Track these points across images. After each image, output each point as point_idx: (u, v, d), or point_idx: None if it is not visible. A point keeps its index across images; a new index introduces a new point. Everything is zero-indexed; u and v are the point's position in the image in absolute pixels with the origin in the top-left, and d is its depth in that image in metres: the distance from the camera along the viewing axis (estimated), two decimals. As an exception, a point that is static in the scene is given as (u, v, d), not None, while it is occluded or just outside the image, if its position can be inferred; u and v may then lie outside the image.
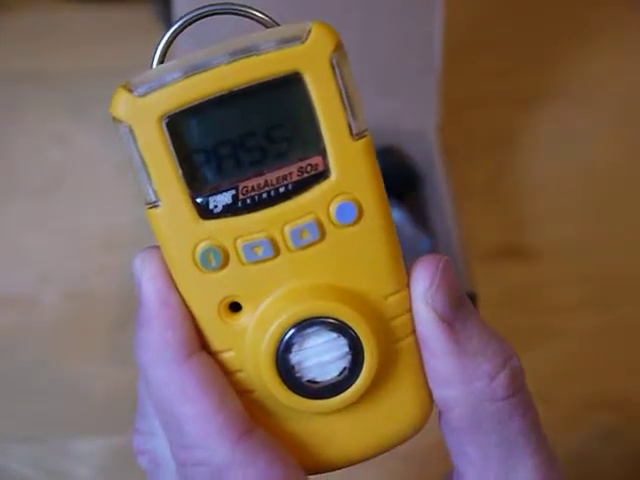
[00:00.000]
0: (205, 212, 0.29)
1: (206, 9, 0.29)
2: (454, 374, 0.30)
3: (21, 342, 0.63)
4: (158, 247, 0.30)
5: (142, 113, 0.28)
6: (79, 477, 0.56)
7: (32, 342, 0.63)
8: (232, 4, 0.30)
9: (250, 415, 0.30)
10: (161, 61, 0.29)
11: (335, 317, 0.29)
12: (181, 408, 0.29)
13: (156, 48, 0.29)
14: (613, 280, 0.68)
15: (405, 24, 0.72)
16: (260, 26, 0.30)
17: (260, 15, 0.30)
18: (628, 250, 0.71)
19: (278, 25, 0.29)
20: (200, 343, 0.30)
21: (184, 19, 0.29)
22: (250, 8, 0.30)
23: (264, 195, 0.29)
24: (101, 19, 0.90)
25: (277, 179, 0.29)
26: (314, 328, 0.29)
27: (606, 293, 0.68)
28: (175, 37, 0.29)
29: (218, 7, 0.30)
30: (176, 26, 0.29)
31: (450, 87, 0.74)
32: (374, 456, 0.32)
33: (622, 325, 0.65)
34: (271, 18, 0.29)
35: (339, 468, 0.32)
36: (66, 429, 0.58)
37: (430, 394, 0.31)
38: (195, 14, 0.29)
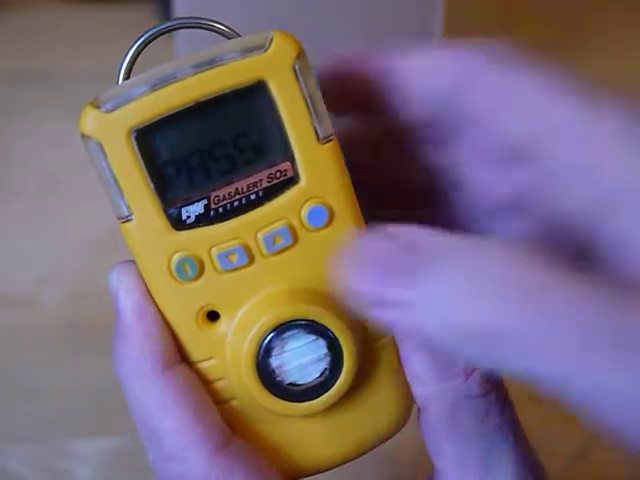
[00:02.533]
0: (178, 223, 0.29)
1: (169, 24, 0.30)
2: (429, 371, 0.30)
3: (21, 342, 0.63)
4: (134, 261, 0.30)
5: (110, 129, 0.28)
6: (79, 477, 0.56)
7: (32, 342, 0.63)
8: (195, 18, 0.30)
9: (231, 423, 0.30)
10: (127, 76, 0.29)
11: (312, 319, 0.29)
12: (160, 421, 0.29)
13: (121, 64, 0.30)
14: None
15: (405, 24, 0.72)
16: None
17: (223, 28, 0.30)
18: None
19: (240, 36, 0.30)
20: (179, 355, 0.30)
21: (147, 34, 0.30)
22: (213, 21, 0.30)
23: (235, 203, 0.29)
24: (101, 19, 0.90)
25: (247, 187, 0.29)
26: (293, 331, 0.29)
27: None
28: (140, 52, 0.30)
29: (181, 21, 0.30)
30: (140, 42, 0.30)
31: (450, 87, 0.74)
32: (356, 457, 0.32)
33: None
34: (234, 30, 0.30)
35: (322, 471, 0.32)
36: (66, 429, 0.58)
37: (410, 392, 0.31)
38: (158, 29, 0.30)
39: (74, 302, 0.65)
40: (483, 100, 0.30)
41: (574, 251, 0.26)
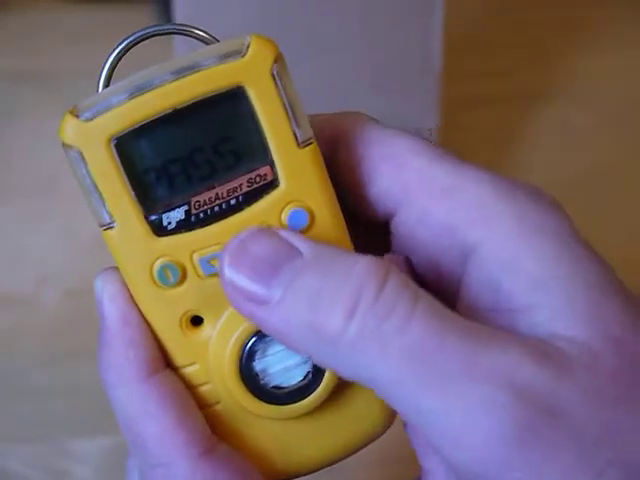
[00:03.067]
0: (159, 229, 0.29)
1: (148, 30, 0.30)
2: None
3: (21, 342, 0.63)
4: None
5: (90, 137, 0.28)
6: (79, 477, 0.56)
7: (32, 342, 0.63)
8: (174, 24, 0.31)
9: (216, 427, 0.30)
10: (106, 84, 0.30)
11: None
12: (144, 427, 0.29)
13: (101, 71, 0.30)
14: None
15: (405, 24, 0.72)
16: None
17: (201, 34, 0.30)
18: (628, 250, 0.71)
19: (218, 42, 0.30)
20: (163, 361, 0.30)
21: (126, 42, 0.30)
22: (191, 27, 0.30)
23: (216, 208, 0.29)
24: (101, 19, 0.90)
25: (228, 192, 0.29)
26: None
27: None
28: (119, 60, 0.30)
29: (160, 28, 0.30)
30: (118, 49, 0.30)
31: (450, 87, 0.74)
32: (342, 459, 0.32)
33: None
34: (212, 36, 0.30)
35: (307, 473, 0.32)
36: (66, 429, 0.58)
37: None
38: (137, 36, 0.30)
39: (74, 302, 0.65)
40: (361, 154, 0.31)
41: (439, 293, 0.28)
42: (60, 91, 0.81)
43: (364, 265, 0.26)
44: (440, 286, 0.30)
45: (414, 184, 0.30)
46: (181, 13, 0.71)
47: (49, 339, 0.63)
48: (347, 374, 0.27)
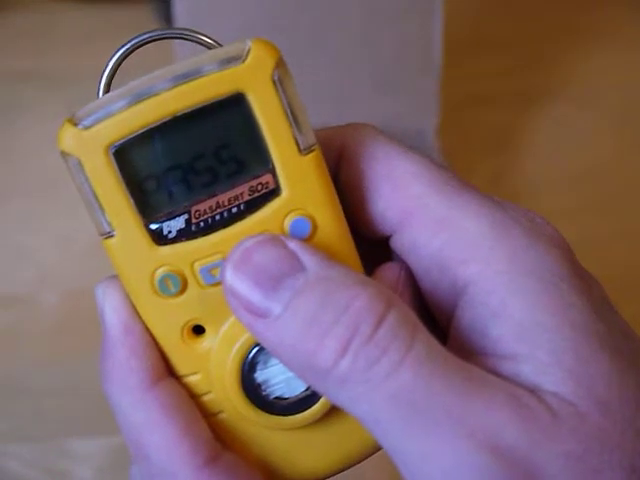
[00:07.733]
0: (160, 238, 0.28)
1: (148, 35, 0.30)
2: None
3: (21, 342, 0.63)
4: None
5: (89, 145, 0.28)
6: (79, 477, 0.56)
7: (32, 342, 0.63)
8: (175, 29, 0.30)
9: (220, 436, 0.30)
10: (107, 90, 0.29)
11: None
12: (147, 437, 0.29)
13: (100, 77, 0.29)
14: (613, 280, 0.68)
15: (405, 24, 0.72)
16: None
17: (203, 38, 0.30)
18: (628, 250, 0.71)
19: (220, 46, 0.29)
20: (166, 369, 0.30)
21: (125, 47, 0.29)
22: (193, 32, 0.30)
23: (217, 217, 0.28)
24: (101, 19, 0.90)
25: (229, 200, 0.28)
26: None
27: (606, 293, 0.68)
28: (119, 65, 0.29)
29: (161, 33, 0.30)
30: (118, 54, 0.29)
31: (450, 87, 0.74)
32: (348, 467, 0.32)
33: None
34: (214, 40, 0.30)
35: None
36: (66, 429, 0.58)
37: None
38: (137, 41, 0.29)
39: (74, 302, 0.65)
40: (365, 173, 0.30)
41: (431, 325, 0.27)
42: (61, 91, 0.81)
43: (364, 300, 0.26)
44: (433, 312, 0.30)
45: (411, 210, 0.29)
46: (181, 12, 0.71)
47: (49, 339, 0.63)
48: (334, 402, 0.27)
